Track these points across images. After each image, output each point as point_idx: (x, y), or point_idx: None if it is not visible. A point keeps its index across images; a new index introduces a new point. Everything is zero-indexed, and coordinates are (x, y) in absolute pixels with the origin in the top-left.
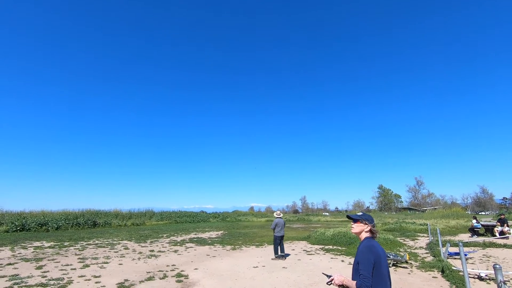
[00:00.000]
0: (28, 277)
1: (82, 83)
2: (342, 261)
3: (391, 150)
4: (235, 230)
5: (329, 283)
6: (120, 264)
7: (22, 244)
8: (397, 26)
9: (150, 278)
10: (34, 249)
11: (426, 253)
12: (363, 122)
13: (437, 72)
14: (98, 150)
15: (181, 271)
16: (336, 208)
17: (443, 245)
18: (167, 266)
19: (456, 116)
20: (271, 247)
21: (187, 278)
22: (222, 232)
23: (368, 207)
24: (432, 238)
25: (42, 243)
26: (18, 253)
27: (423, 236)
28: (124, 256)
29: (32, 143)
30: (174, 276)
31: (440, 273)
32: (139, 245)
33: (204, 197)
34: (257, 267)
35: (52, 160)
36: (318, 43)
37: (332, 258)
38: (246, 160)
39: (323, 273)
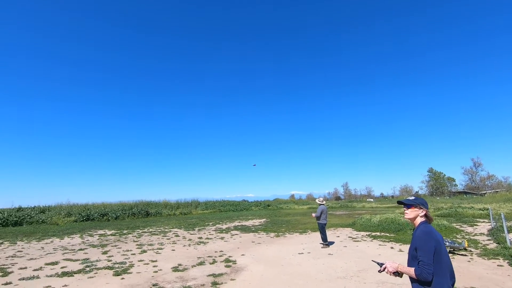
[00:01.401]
0: (97, 260)
1: (118, 81)
2: (392, 248)
3: (442, 129)
4: (278, 217)
5: (381, 271)
6: (172, 250)
7: (89, 232)
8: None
9: (201, 263)
10: (99, 236)
11: (488, 240)
12: (408, 101)
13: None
14: (146, 146)
15: (229, 256)
16: (381, 194)
17: (510, 231)
18: (215, 252)
19: None
20: (315, 234)
21: (235, 263)
22: (264, 220)
23: (417, 191)
24: (495, 223)
25: (104, 231)
26: (87, 240)
27: (484, 221)
28: (175, 243)
29: (93, 143)
30: (223, 262)
31: (506, 261)
32: (188, 232)
33: (245, 186)
34: (302, 253)
35: (109, 157)
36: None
37: (380, 245)
38: (287, 148)
39: (373, 261)
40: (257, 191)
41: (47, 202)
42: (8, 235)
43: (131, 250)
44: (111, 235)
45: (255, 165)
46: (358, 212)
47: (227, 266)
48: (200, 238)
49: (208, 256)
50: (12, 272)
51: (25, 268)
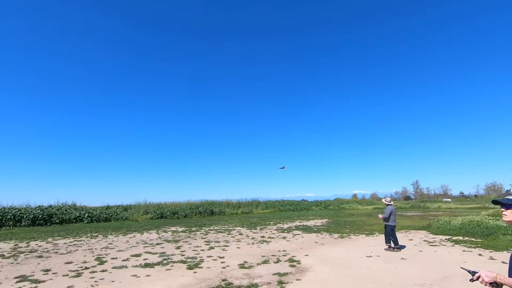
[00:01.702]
0: (172, 254)
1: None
2: (480, 255)
3: None
4: (340, 218)
5: (473, 281)
6: (237, 247)
7: (163, 228)
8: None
9: (265, 262)
10: (172, 232)
11: None
12: (492, 87)
13: None
14: (210, 149)
15: (293, 256)
16: (461, 193)
17: None
18: (279, 251)
19: None
20: (383, 237)
21: (299, 263)
22: (326, 220)
23: (508, 190)
24: None
25: (176, 228)
26: (162, 236)
27: None
28: (240, 241)
29: (163, 148)
30: (286, 261)
31: None
32: (250, 231)
33: (304, 186)
34: (370, 256)
35: (177, 159)
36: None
37: (464, 251)
38: (348, 146)
39: (462, 268)
40: (317, 190)
41: (128, 201)
42: (101, 229)
43: (200, 246)
44: (182, 231)
45: (283, 167)
46: (432, 213)
47: (291, 266)
48: (263, 237)
49: (272, 255)
50: (106, 261)
51: (116, 258)
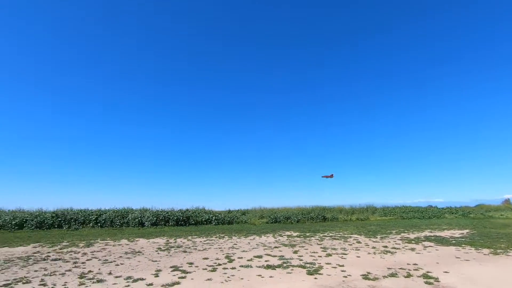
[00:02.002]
0: (290, 258)
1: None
2: None
3: None
4: (488, 229)
5: None
6: (357, 256)
7: (278, 232)
8: None
9: (393, 275)
10: (287, 237)
11: None
12: None
13: None
14: (323, 156)
15: (427, 272)
16: None
17: None
18: (408, 264)
19: None
20: None
21: (437, 281)
22: (467, 231)
23: None
24: None
25: (290, 232)
26: (278, 239)
27: None
28: (359, 250)
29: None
30: (420, 277)
31: None
32: (369, 239)
33: (431, 189)
34: None
35: (287, 165)
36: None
37: None
38: (493, 139)
39: None
40: (449, 195)
41: (245, 206)
42: (226, 231)
43: (317, 252)
44: (297, 236)
45: (332, 175)
46: None
47: (427, 283)
48: (385, 246)
49: (400, 268)
50: (234, 259)
51: (241, 258)
